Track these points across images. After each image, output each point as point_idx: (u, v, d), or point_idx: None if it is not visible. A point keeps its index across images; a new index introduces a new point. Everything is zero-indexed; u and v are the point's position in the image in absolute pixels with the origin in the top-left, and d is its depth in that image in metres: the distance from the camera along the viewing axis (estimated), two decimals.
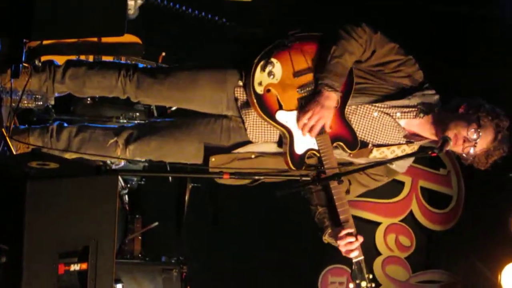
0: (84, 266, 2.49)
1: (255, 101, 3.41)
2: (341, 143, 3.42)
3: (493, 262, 5.34)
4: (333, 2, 5.39)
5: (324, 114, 3.35)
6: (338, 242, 3.39)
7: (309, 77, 3.45)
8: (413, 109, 3.45)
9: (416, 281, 5.91)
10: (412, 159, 3.61)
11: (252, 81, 3.42)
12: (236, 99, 3.51)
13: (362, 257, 3.38)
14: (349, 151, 3.43)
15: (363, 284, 3.40)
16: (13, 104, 3.45)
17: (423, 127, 3.48)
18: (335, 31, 3.42)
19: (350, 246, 3.37)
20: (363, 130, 3.47)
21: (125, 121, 4.51)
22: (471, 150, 3.33)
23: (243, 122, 3.50)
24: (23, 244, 2.33)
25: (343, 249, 3.40)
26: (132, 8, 4.19)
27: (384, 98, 3.45)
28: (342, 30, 3.39)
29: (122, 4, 3.42)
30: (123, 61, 4.33)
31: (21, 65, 3.36)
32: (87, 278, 2.50)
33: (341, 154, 3.46)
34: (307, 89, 3.44)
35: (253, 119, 3.48)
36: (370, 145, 3.47)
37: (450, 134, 3.32)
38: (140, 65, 3.68)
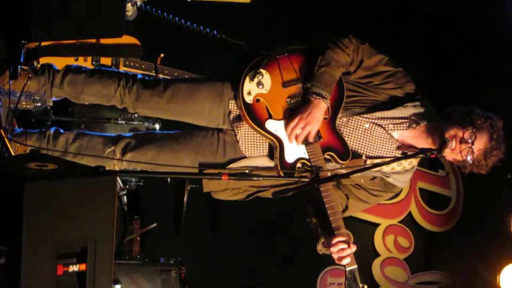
0: (82, 267, 2.48)
1: (244, 110, 3.46)
2: (332, 153, 3.43)
3: (492, 264, 5.35)
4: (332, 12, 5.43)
5: (311, 121, 3.37)
6: (331, 249, 3.37)
7: (298, 87, 3.51)
8: (405, 121, 3.47)
9: (415, 282, 5.91)
10: (411, 173, 3.59)
11: (242, 91, 3.48)
12: (230, 112, 3.56)
13: (355, 266, 3.34)
14: (340, 161, 3.44)
15: None
16: (12, 105, 3.45)
17: (418, 138, 3.48)
18: (322, 43, 3.48)
19: (342, 252, 3.34)
20: (356, 142, 3.48)
21: (123, 122, 4.51)
22: (469, 154, 3.33)
23: (236, 135, 3.53)
24: (22, 245, 2.32)
25: (335, 256, 3.37)
26: (130, 10, 4.19)
27: (374, 109, 3.48)
28: (328, 41, 3.46)
29: (121, 5, 3.42)
30: (123, 71, 4.34)
31: (19, 66, 3.36)
32: (85, 279, 2.49)
33: (334, 167, 3.46)
34: (296, 99, 3.48)
35: (244, 131, 3.52)
36: (363, 156, 3.48)
37: (448, 136, 3.33)
38: (139, 76, 3.70)
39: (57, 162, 2.61)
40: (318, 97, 3.38)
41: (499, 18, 5.39)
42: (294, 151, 3.43)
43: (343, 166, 3.44)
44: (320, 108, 3.39)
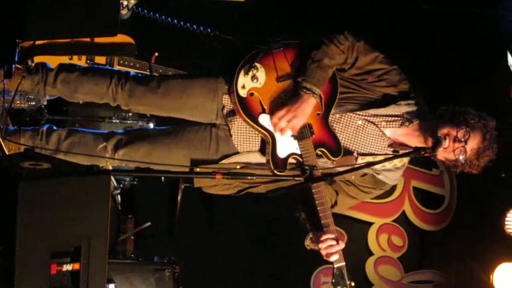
0: (76, 266, 2.49)
1: (238, 103, 3.46)
2: (324, 150, 3.44)
3: (485, 262, 5.36)
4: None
5: (298, 115, 3.37)
6: (320, 245, 3.38)
7: (292, 82, 3.50)
8: (398, 118, 3.48)
9: (409, 281, 5.91)
10: (401, 170, 3.61)
11: (236, 84, 3.47)
12: (223, 107, 3.56)
13: (343, 263, 3.35)
14: (332, 158, 3.44)
15: None
16: (6, 104, 3.45)
17: (410, 136, 3.50)
18: (317, 39, 3.49)
19: (330, 249, 3.35)
20: (348, 138, 3.49)
21: (117, 121, 4.50)
22: (462, 153, 3.34)
23: (229, 130, 3.53)
24: (16, 244, 2.33)
25: (323, 252, 3.38)
26: (125, 9, 4.19)
27: (367, 106, 3.49)
28: (324, 37, 3.47)
29: (115, 4, 3.42)
30: (116, 69, 4.33)
31: (14, 65, 3.35)
32: (79, 278, 2.49)
33: (326, 163, 3.47)
34: (291, 93, 3.47)
35: (237, 126, 3.52)
36: (355, 153, 3.49)
37: (441, 134, 3.34)
38: (132, 73, 3.70)
39: (51, 161, 2.61)
40: (308, 92, 3.38)
41: (496, 18, 5.41)
42: (286, 146, 3.43)
43: (334, 162, 3.45)
44: (309, 103, 3.39)
